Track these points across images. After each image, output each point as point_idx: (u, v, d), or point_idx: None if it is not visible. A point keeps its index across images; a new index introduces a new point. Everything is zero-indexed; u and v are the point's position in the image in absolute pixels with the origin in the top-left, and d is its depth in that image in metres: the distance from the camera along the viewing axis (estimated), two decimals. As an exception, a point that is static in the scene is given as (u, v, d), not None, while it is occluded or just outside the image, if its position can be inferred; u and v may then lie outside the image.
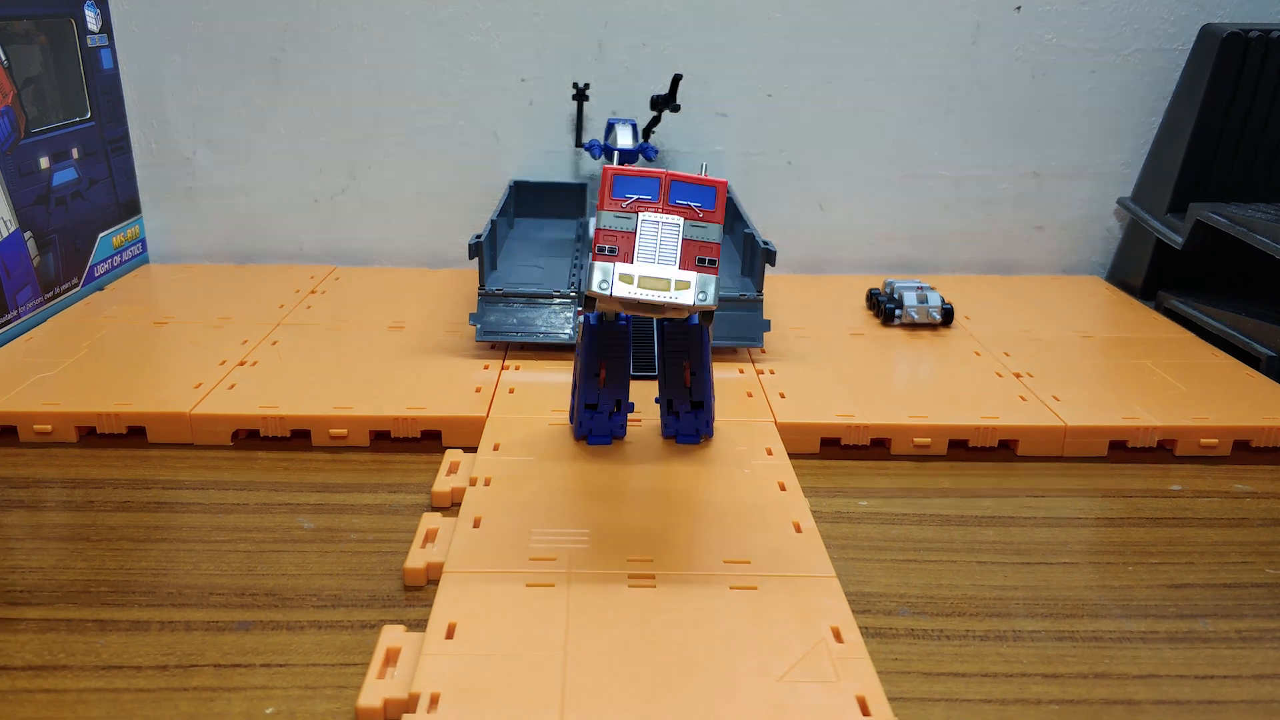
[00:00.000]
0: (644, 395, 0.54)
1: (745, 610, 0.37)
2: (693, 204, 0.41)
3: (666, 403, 0.49)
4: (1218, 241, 0.69)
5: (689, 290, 0.40)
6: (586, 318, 0.47)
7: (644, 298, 0.40)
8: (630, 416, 0.52)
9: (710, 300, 0.41)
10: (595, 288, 0.41)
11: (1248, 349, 0.63)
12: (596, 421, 0.49)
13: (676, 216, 0.41)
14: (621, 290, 0.40)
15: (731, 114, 0.77)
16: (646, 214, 0.41)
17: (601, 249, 0.41)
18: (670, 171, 0.41)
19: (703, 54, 0.76)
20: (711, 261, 0.41)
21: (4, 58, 0.62)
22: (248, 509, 0.46)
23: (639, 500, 0.44)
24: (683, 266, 0.41)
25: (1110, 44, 0.77)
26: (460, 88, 0.77)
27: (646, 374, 0.57)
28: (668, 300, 0.40)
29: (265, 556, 0.42)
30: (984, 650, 0.37)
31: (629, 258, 0.41)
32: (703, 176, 0.41)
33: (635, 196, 0.41)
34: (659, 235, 0.41)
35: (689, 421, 0.49)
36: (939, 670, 0.36)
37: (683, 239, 0.41)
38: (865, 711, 0.32)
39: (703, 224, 0.41)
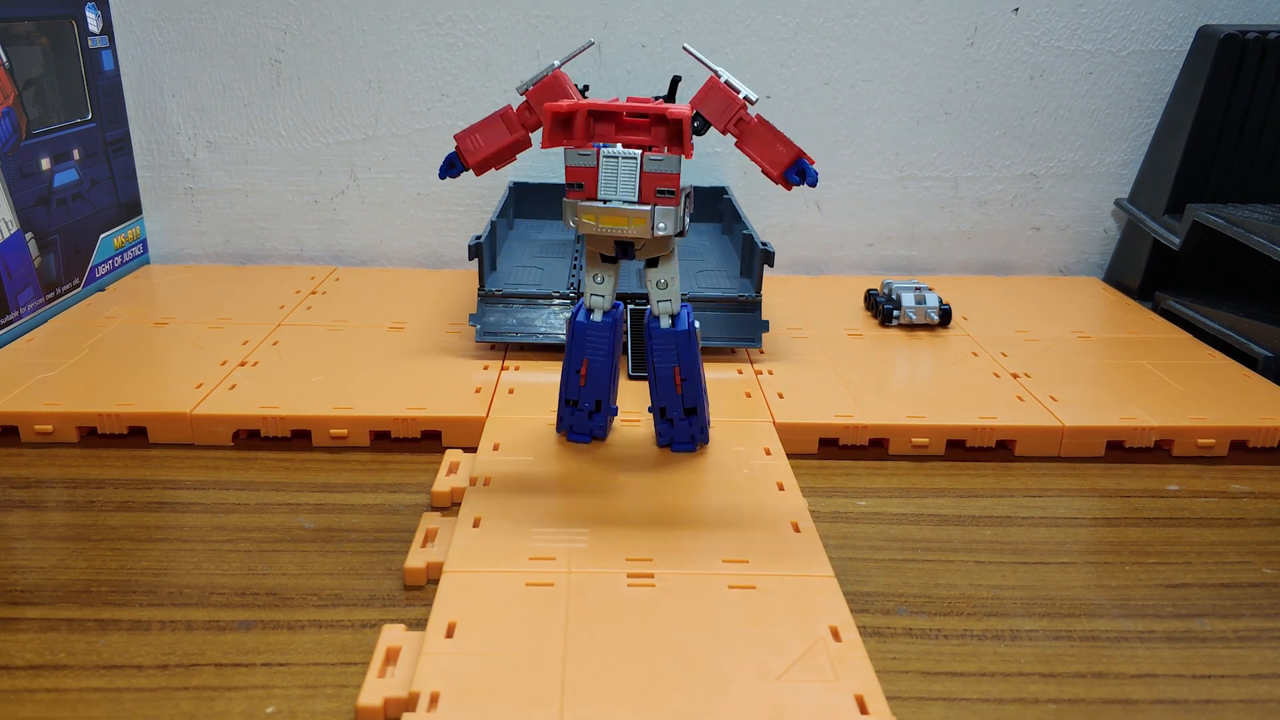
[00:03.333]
0: (643, 396, 0.55)
1: (744, 609, 0.37)
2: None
3: (659, 411, 0.49)
4: (1215, 242, 0.69)
5: (645, 224, 0.43)
6: (574, 314, 0.47)
7: (606, 232, 0.43)
8: (629, 416, 0.52)
9: (669, 229, 0.43)
10: (569, 225, 0.44)
11: (1245, 349, 0.63)
12: (576, 419, 0.49)
13: (634, 150, 0.42)
14: (586, 228, 0.43)
15: (730, 115, 0.77)
16: (606, 147, 0.42)
17: (571, 185, 0.43)
18: (631, 104, 0.43)
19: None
20: (670, 193, 0.43)
21: (5, 59, 0.63)
22: (248, 509, 0.46)
23: (638, 500, 0.45)
24: (642, 200, 0.43)
25: (1107, 45, 0.77)
26: (460, 89, 0.77)
27: (645, 375, 0.57)
28: (628, 233, 0.43)
29: (266, 556, 0.42)
30: (982, 649, 0.38)
31: (593, 193, 0.43)
32: (663, 107, 0.43)
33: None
34: (617, 169, 0.43)
35: (684, 429, 0.49)
36: (937, 669, 0.36)
37: (642, 171, 0.42)
38: (863, 710, 0.33)
39: (659, 157, 0.42)
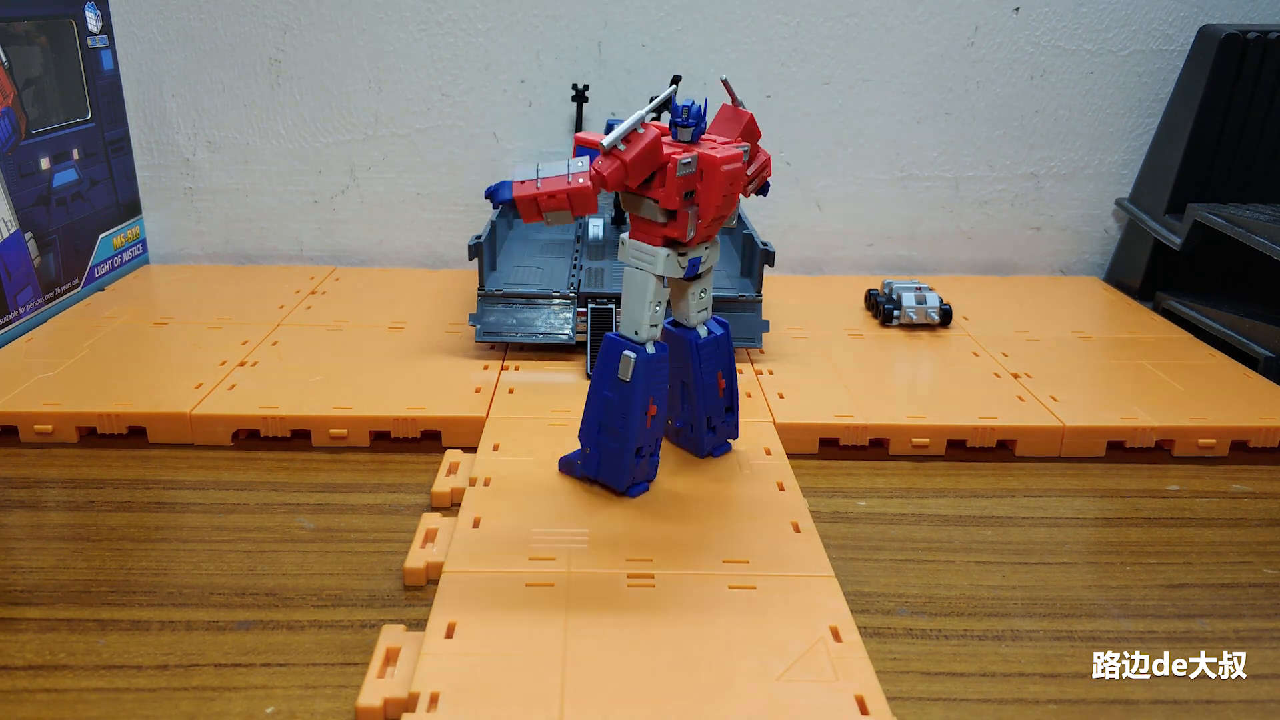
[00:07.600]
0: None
1: (744, 610, 0.37)
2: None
3: (705, 421, 0.47)
4: (1216, 242, 0.69)
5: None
6: (639, 351, 0.43)
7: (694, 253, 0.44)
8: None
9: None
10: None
11: (1245, 349, 0.63)
12: (640, 467, 0.44)
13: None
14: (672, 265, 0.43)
15: (730, 115, 0.77)
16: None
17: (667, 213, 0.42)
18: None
19: (702, 55, 0.76)
20: None
21: (5, 59, 0.63)
22: (248, 509, 0.46)
23: (638, 500, 0.45)
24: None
25: (1108, 45, 0.77)
26: (460, 88, 0.77)
27: None
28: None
29: (265, 556, 0.42)
30: (982, 650, 0.37)
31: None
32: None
33: None
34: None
35: (723, 431, 0.48)
36: (937, 670, 0.36)
37: None
38: (864, 711, 0.33)
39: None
